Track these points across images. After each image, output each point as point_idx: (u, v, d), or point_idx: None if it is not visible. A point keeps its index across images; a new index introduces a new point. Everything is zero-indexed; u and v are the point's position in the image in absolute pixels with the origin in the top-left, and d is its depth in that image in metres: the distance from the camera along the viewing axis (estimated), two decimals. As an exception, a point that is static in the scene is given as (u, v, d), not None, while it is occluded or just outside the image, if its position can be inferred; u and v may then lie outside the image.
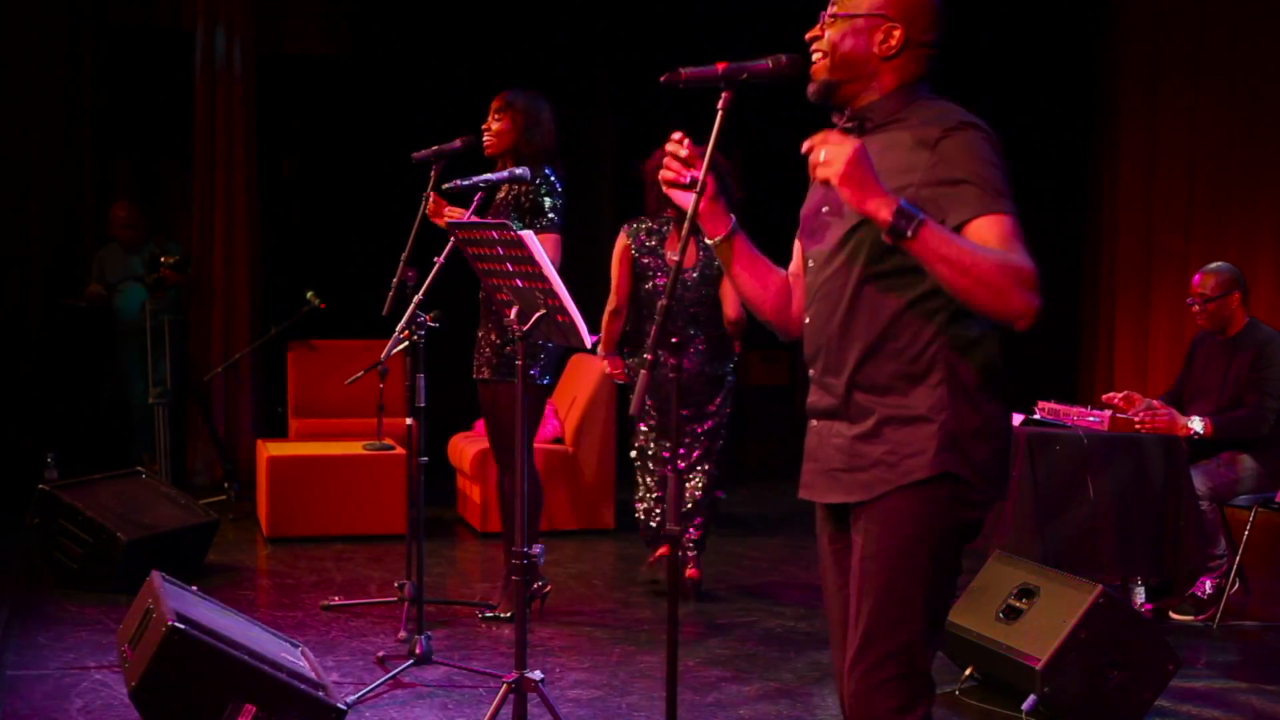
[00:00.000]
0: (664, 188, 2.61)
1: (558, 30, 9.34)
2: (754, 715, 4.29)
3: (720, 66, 2.57)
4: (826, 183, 2.32)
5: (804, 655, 4.95)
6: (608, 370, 5.88)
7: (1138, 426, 5.45)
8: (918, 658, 2.48)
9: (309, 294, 7.74)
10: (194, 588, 4.26)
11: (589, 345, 3.75)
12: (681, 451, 5.77)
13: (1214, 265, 5.83)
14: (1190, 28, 8.43)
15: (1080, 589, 4.20)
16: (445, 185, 4.75)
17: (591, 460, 7.18)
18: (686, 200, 2.56)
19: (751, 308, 2.77)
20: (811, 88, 2.57)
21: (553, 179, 5.14)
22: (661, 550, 5.79)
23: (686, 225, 2.55)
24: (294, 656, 4.05)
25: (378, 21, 9.40)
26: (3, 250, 8.38)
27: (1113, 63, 8.92)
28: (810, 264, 2.61)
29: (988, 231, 2.36)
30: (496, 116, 5.15)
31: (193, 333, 8.60)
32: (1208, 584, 5.54)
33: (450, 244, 4.37)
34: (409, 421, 4.91)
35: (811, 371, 2.61)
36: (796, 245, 2.71)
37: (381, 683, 4.41)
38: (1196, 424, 5.51)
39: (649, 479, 5.81)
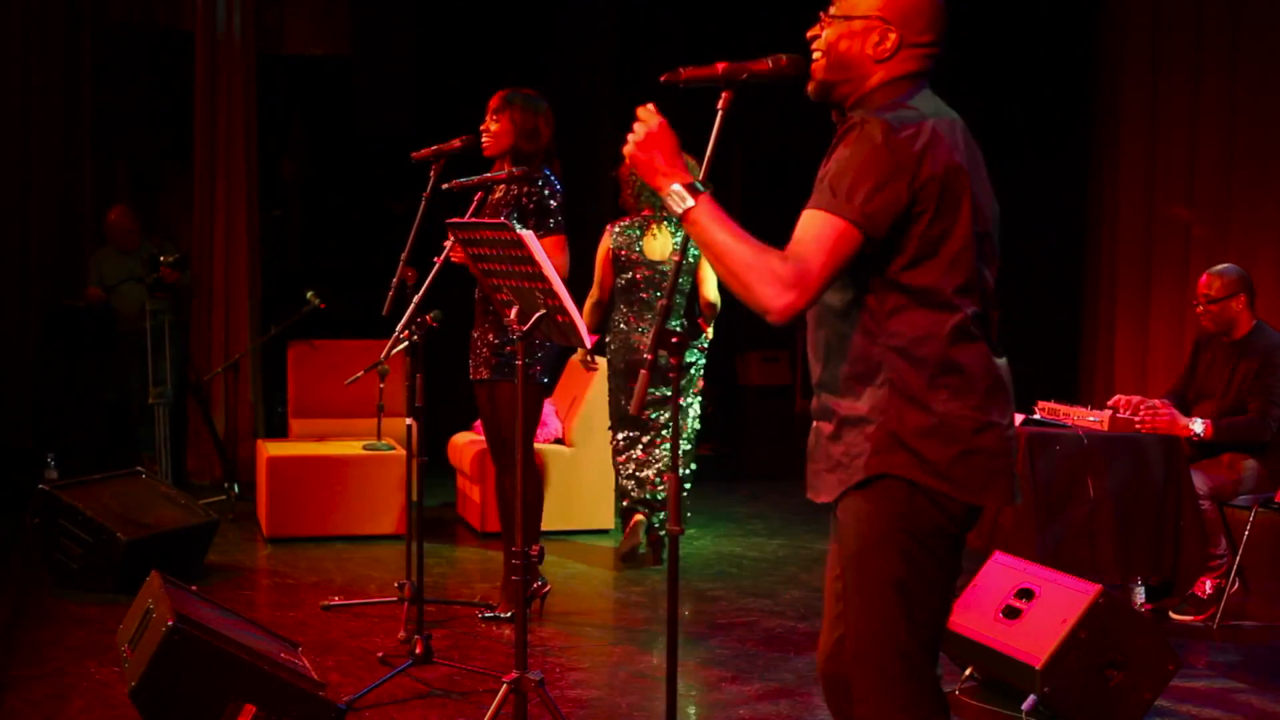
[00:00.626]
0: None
1: (558, 31, 9.34)
2: (754, 715, 4.28)
3: (720, 66, 2.58)
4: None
5: (804, 655, 4.94)
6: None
7: (1138, 426, 5.44)
8: (911, 658, 2.44)
9: (309, 294, 7.73)
10: (194, 588, 4.26)
11: (590, 346, 3.75)
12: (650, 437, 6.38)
13: (1220, 267, 5.81)
14: (1191, 18, 8.41)
15: (1080, 589, 4.20)
16: (445, 185, 4.75)
17: (591, 460, 7.17)
18: None
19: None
20: (810, 86, 2.58)
21: (553, 179, 5.13)
22: (637, 518, 6.37)
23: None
24: (294, 656, 4.05)
25: (378, 21, 9.41)
26: (2, 250, 8.37)
27: (1115, 58, 8.90)
28: None
29: (800, 225, 2.38)
30: (495, 117, 5.13)
31: (193, 333, 8.60)
32: (1208, 584, 5.54)
33: (450, 244, 4.37)
34: (409, 421, 4.91)
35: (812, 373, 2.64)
36: None
37: (381, 683, 4.41)
38: (1197, 425, 5.50)
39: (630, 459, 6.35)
